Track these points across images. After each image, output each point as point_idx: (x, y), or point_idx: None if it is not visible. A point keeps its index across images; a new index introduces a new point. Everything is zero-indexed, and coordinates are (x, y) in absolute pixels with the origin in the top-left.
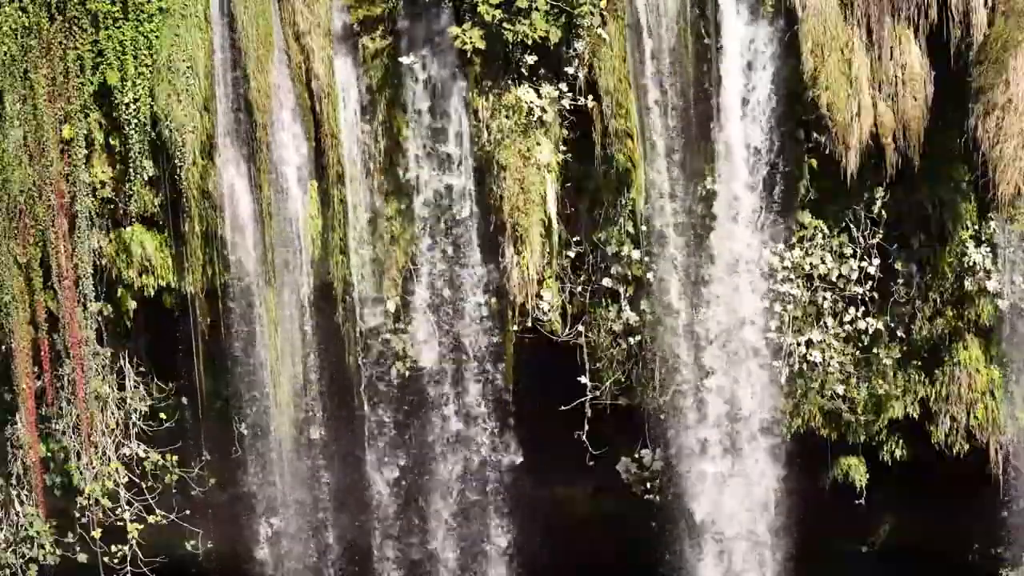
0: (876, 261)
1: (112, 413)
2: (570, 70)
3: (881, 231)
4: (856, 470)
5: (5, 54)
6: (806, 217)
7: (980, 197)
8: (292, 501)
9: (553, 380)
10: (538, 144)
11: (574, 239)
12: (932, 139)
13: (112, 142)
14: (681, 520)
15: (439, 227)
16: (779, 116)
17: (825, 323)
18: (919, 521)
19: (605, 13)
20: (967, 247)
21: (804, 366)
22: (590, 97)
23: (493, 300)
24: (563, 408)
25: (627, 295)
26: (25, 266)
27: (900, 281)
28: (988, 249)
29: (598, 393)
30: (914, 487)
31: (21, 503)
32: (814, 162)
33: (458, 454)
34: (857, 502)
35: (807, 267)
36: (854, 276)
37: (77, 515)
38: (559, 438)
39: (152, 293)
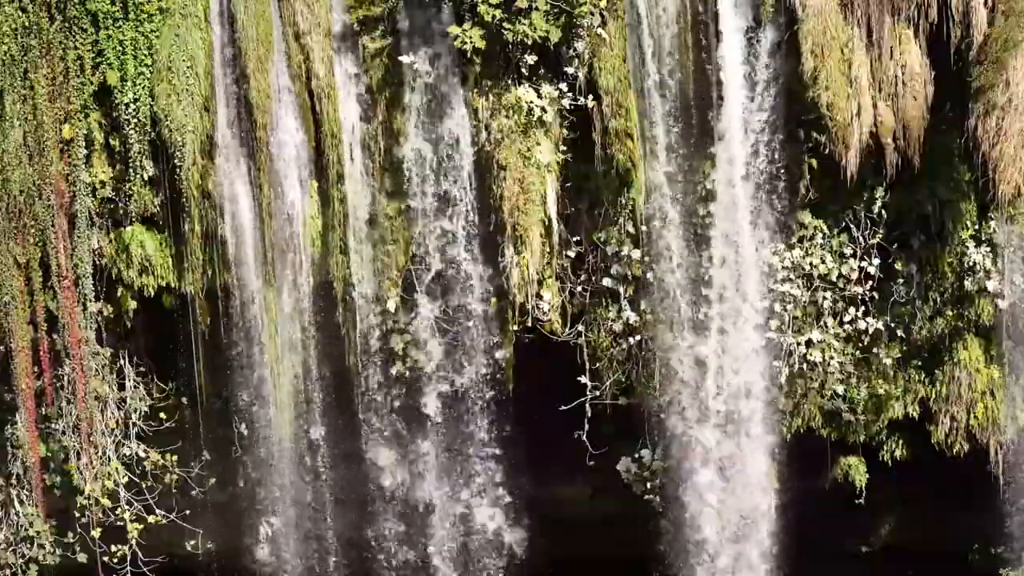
0: (876, 261)
1: (112, 413)
2: (570, 70)
3: (881, 231)
4: (856, 470)
5: (5, 54)
6: (806, 217)
7: (980, 197)
8: (292, 501)
9: (553, 380)
10: (538, 144)
11: (574, 239)
12: (932, 139)
13: (112, 142)
14: (680, 519)
15: (439, 227)
16: (779, 116)
17: (825, 323)
18: (919, 521)
19: (605, 13)
20: (967, 247)
21: (804, 366)
22: (590, 97)
23: (493, 300)
24: (563, 408)
25: (627, 295)
26: (25, 266)
27: (900, 281)
28: (988, 249)
29: (598, 393)
30: (914, 487)
31: (21, 503)
32: (814, 162)
33: (458, 454)
34: (857, 502)
35: (807, 267)
36: (854, 276)
37: (77, 515)
38: (559, 438)
39: (152, 293)
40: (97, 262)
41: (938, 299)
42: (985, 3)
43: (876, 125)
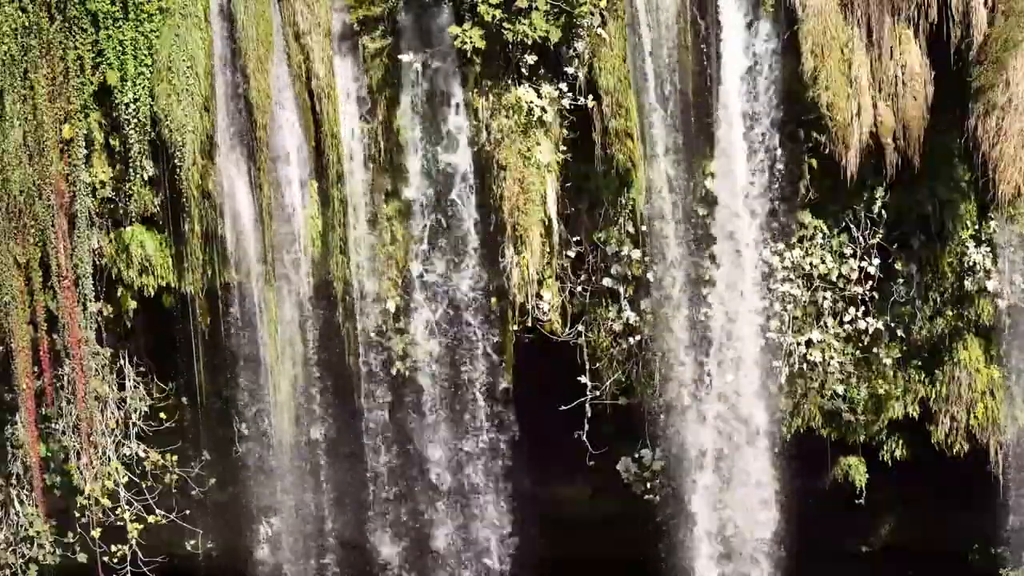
0: (876, 261)
1: (112, 413)
2: (570, 70)
3: (881, 231)
4: (856, 470)
5: (5, 54)
6: (806, 217)
7: (980, 197)
8: (292, 501)
9: (553, 380)
10: (538, 144)
11: (574, 239)
12: (932, 139)
13: (112, 142)
14: (680, 519)
15: (439, 227)
16: (779, 116)
17: (825, 323)
18: (919, 521)
19: (605, 13)
20: (967, 247)
21: (804, 366)
22: (590, 97)
23: (493, 300)
24: (563, 408)
25: (627, 295)
26: (25, 266)
27: (900, 281)
28: (988, 249)
29: (598, 393)
30: (914, 487)
31: (21, 503)
32: (814, 162)
33: (458, 454)
34: (857, 502)
35: (807, 267)
36: (854, 276)
37: (77, 515)
38: (559, 438)
39: (152, 293)
40: (97, 262)
41: (938, 299)
42: (985, 3)
43: (876, 125)
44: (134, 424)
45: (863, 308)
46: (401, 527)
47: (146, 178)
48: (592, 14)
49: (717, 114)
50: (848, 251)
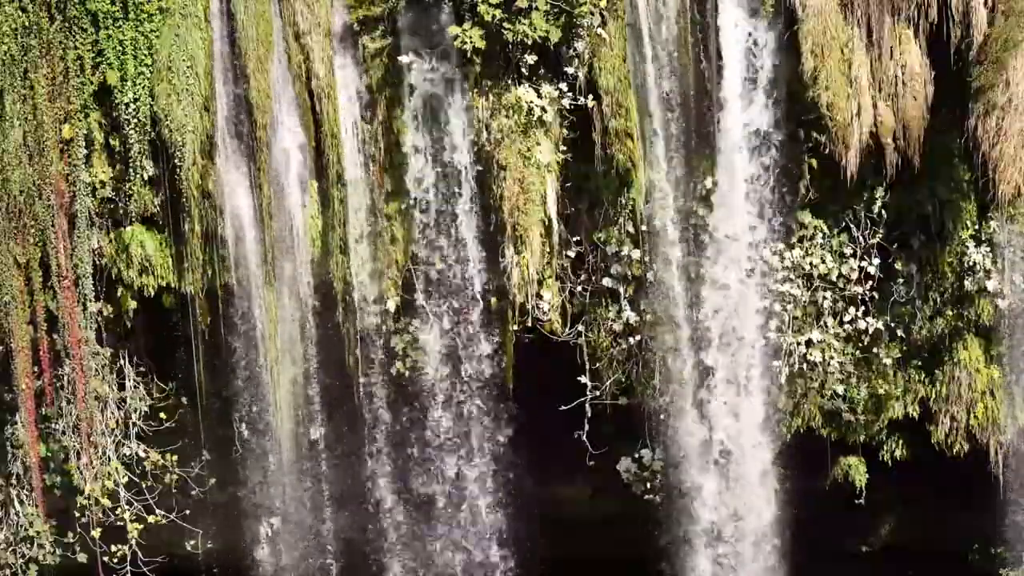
0: (876, 261)
1: (112, 413)
2: (570, 70)
3: (881, 231)
4: (856, 470)
5: (5, 54)
6: (806, 217)
7: (980, 197)
8: (292, 501)
9: (553, 380)
10: (538, 144)
11: (574, 239)
12: (932, 139)
13: (112, 142)
14: (680, 520)
15: (439, 227)
16: (779, 116)
17: (825, 323)
18: (919, 521)
19: (605, 13)
20: (967, 247)
21: (804, 366)
22: (590, 97)
23: (493, 300)
24: (563, 408)
25: (627, 295)
26: (25, 266)
27: (900, 281)
28: (988, 249)
29: (598, 393)
30: (914, 487)
31: (21, 503)
32: (814, 162)
33: (458, 454)
34: (857, 502)
35: (807, 267)
36: (854, 276)
37: (77, 515)
38: (559, 438)
39: (152, 293)
40: (97, 262)
41: (938, 299)
42: (985, 3)
43: (876, 125)
44: (134, 424)
45: (863, 308)
46: (401, 526)
47: (146, 178)
48: (592, 14)
49: (717, 114)
50: (848, 251)
